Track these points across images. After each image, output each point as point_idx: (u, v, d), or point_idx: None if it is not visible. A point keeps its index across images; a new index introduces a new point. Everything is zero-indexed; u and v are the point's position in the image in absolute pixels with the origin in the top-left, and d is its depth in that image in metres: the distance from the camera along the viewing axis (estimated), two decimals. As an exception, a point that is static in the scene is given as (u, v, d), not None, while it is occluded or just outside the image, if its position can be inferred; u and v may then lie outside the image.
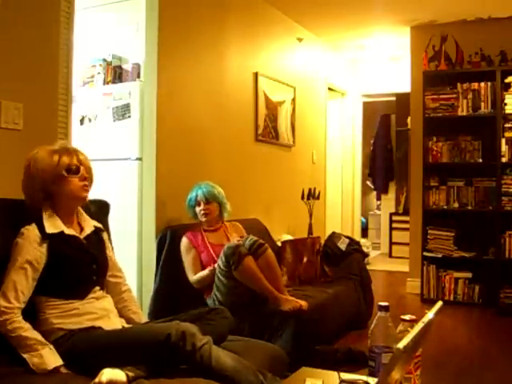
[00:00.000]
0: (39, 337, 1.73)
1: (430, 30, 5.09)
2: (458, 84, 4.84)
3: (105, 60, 3.87)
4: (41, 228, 1.85)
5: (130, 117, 3.58)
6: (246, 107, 4.45)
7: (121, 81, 3.81)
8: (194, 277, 3.09)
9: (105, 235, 2.14)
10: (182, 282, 3.13)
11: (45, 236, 1.84)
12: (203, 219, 3.23)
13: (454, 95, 4.85)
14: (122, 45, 3.94)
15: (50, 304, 1.83)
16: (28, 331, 1.72)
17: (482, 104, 4.75)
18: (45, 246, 1.83)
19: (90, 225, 2.05)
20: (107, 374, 1.60)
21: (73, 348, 1.75)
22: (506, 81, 4.62)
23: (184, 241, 3.18)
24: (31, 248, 1.81)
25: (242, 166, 4.35)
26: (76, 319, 1.83)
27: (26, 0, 2.48)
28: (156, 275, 3.24)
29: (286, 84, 5.05)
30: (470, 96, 4.79)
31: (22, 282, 1.76)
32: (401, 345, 1.03)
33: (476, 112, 4.78)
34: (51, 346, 1.73)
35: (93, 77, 3.89)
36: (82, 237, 1.97)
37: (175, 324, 1.76)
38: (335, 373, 1.59)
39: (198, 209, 3.23)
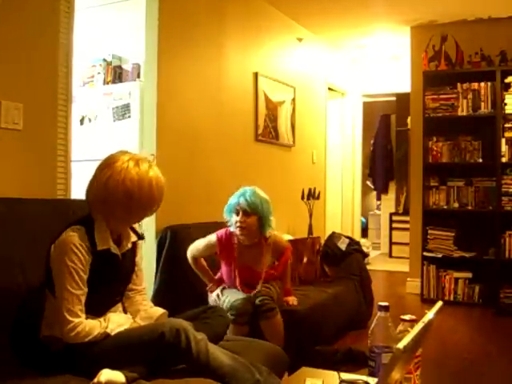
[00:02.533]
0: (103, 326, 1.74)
1: (430, 29, 5.09)
2: (458, 84, 4.84)
3: (105, 60, 3.87)
4: (90, 238, 1.76)
5: (129, 117, 3.58)
6: (245, 107, 4.45)
7: (121, 81, 3.81)
8: (193, 258, 2.92)
9: (139, 243, 2.02)
10: (183, 283, 3.13)
11: (93, 250, 1.76)
12: (237, 232, 2.83)
13: (454, 95, 4.85)
14: (121, 45, 3.94)
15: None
16: (96, 327, 1.71)
17: (482, 104, 4.75)
18: (90, 258, 1.75)
19: (129, 239, 1.94)
20: (106, 374, 1.60)
21: (72, 351, 1.73)
22: (506, 81, 4.62)
23: (212, 239, 2.91)
24: (82, 256, 1.72)
25: (242, 166, 4.35)
26: None
27: (26, 0, 2.48)
28: (156, 276, 3.24)
29: (286, 84, 5.05)
30: (470, 96, 4.80)
31: (81, 292, 1.71)
32: (401, 345, 1.03)
33: (476, 112, 4.78)
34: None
35: (93, 77, 3.90)
36: (120, 253, 1.88)
37: (168, 322, 1.75)
38: (335, 373, 1.59)
39: (234, 218, 2.82)
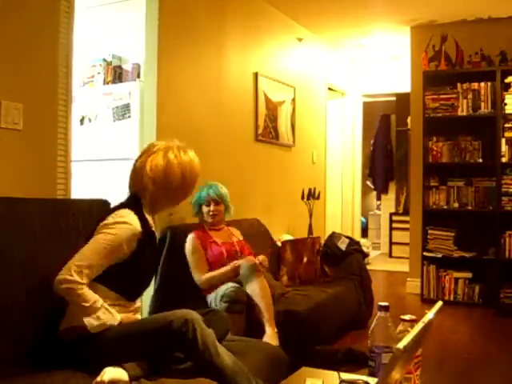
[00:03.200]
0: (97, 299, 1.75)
1: (430, 29, 5.09)
2: (458, 84, 4.84)
3: (105, 60, 3.87)
4: (141, 220, 1.85)
5: (129, 117, 3.58)
6: (245, 107, 4.45)
7: (121, 81, 3.81)
8: (202, 277, 3.07)
9: None
10: (182, 283, 3.13)
11: (145, 231, 1.85)
12: (210, 220, 3.25)
13: (454, 95, 4.85)
14: (121, 45, 3.94)
15: (100, 294, 1.78)
16: (90, 296, 1.73)
17: (482, 104, 4.75)
18: (140, 239, 1.83)
19: (157, 225, 2.06)
20: (109, 372, 1.60)
21: (82, 341, 1.74)
22: (506, 81, 4.62)
23: (191, 239, 3.17)
24: (130, 235, 1.80)
25: (242, 165, 4.35)
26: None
27: (26, 0, 2.48)
28: (156, 275, 3.24)
29: (286, 84, 5.05)
30: (470, 96, 4.79)
31: (97, 270, 1.76)
32: (401, 345, 1.03)
33: (476, 112, 4.78)
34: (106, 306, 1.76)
35: (93, 77, 3.90)
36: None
37: (177, 311, 1.77)
38: (335, 373, 1.59)
39: (206, 209, 3.25)
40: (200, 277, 3.07)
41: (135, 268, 1.85)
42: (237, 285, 2.91)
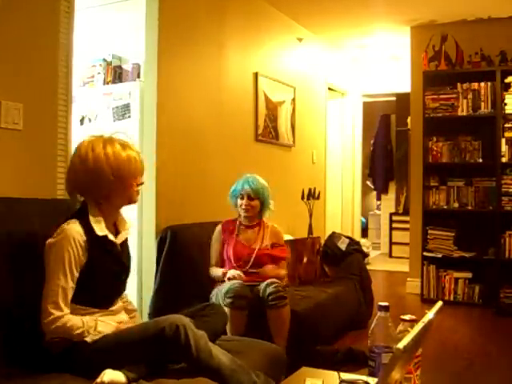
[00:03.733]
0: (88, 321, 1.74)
1: (430, 29, 5.08)
2: (458, 84, 4.84)
3: (105, 60, 3.87)
4: (86, 227, 1.78)
5: (129, 117, 3.58)
6: (245, 107, 4.45)
7: (121, 81, 3.81)
8: (212, 268, 3.12)
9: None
10: (183, 283, 3.13)
11: (91, 238, 1.77)
12: (243, 214, 3.18)
13: (454, 95, 4.85)
14: (122, 45, 3.94)
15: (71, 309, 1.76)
16: (78, 321, 1.72)
17: (482, 104, 4.75)
18: (87, 248, 1.76)
19: (125, 228, 1.96)
20: (108, 374, 1.60)
21: (72, 351, 1.73)
22: (506, 81, 4.62)
23: (217, 229, 3.21)
24: (75, 248, 1.73)
25: (242, 165, 4.35)
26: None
27: (26, 0, 2.48)
28: (156, 275, 3.24)
29: (286, 84, 5.05)
30: (470, 96, 4.79)
31: (70, 286, 1.72)
32: (401, 345, 1.03)
33: (476, 112, 4.78)
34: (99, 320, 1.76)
35: (93, 77, 3.90)
36: (118, 242, 1.90)
37: (168, 317, 1.76)
38: (335, 373, 1.59)
39: (239, 201, 3.18)
40: (210, 267, 3.13)
41: (94, 277, 1.79)
42: (241, 281, 2.89)
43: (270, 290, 2.83)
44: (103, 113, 3.71)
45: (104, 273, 1.81)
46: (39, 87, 2.54)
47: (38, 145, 2.54)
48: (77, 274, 1.74)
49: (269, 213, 3.26)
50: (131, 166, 1.85)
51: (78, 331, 1.70)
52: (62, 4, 2.63)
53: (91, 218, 1.81)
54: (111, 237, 1.86)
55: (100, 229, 1.82)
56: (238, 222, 3.21)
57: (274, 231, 3.24)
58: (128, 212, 3.39)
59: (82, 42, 3.29)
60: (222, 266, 3.12)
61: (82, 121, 3.78)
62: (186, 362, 1.73)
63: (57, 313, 1.69)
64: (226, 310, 2.63)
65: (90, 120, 3.77)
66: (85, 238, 1.76)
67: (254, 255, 3.07)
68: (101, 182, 1.81)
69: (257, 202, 3.15)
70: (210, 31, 3.97)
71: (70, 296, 1.73)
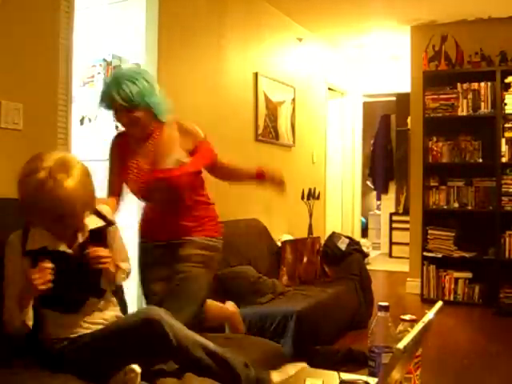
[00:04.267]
0: None
1: (430, 29, 5.09)
2: (458, 84, 4.84)
3: (105, 60, 3.87)
4: (23, 240, 1.78)
5: (130, 117, 3.57)
6: (245, 107, 4.45)
7: (121, 81, 3.81)
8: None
9: (110, 230, 1.92)
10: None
11: (24, 252, 1.76)
12: (130, 132, 2.25)
13: (454, 95, 4.85)
14: (122, 45, 3.94)
15: (46, 316, 1.78)
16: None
17: (482, 104, 4.75)
18: (27, 260, 1.73)
19: (85, 230, 1.84)
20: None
21: (62, 355, 1.74)
22: (506, 81, 4.62)
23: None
24: (16, 260, 1.75)
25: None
26: (70, 330, 1.78)
27: (26, 0, 2.48)
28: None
29: (286, 84, 5.05)
30: (470, 96, 4.80)
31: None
32: (401, 345, 1.03)
33: (476, 112, 4.78)
34: None
35: (93, 77, 3.89)
36: (72, 248, 1.80)
37: (139, 312, 1.76)
38: (335, 373, 1.59)
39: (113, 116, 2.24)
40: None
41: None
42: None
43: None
44: (103, 113, 3.70)
45: (56, 284, 1.67)
46: (39, 87, 2.54)
47: (38, 145, 2.53)
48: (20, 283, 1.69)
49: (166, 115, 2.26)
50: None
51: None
52: (62, 4, 2.63)
53: (31, 230, 1.79)
54: (53, 246, 1.78)
55: (35, 242, 1.77)
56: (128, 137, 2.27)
57: (182, 130, 2.28)
58: (127, 213, 3.40)
59: (81, 42, 3.29)
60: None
61: (81, 121, 3.78)
62: (169, 354, 1.69)
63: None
64: None
65: (89, 120, 3.77)
66: (20, 249, 1.76)
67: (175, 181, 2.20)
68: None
69: (140, 112, 2.15)
70: (210, 31, 3.97)
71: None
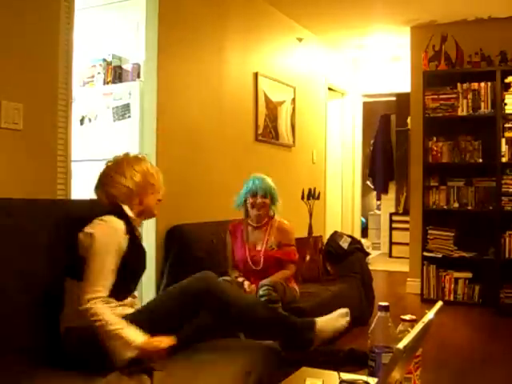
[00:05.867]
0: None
1: (430, 29, 5.08)
2: (458, 84, 4.84)
3: (105, 60, 3.87)
4: (126, 223, 1.93)
5: (130, 117, 3.58)
6: (245, 107, 4.45)
7: (121, 81, 3.81)
8: (229, 271, 3.13)
9: None
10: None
11: (131, 234, 1.92)
12: (255, 213, 3.13)
13: (454, 95, 4.85)
14: (122, 45, 3.94)
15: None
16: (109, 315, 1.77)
17: (482, 104, 4.75)
18: (127, 239, 1.91)
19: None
20: None
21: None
22: (506, 81, 4.62)
23: (226, 237, 3.21)
24: (118, 237, 1.88)
25: (242, 166, 4.35)
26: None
27: (26, 0, 2.48)
28: (164, 272, 3.28)
29: (286, 84, 5.05)
30: (469, 96, 4.79)
31: (111, 272, 1.82)
32: (401, 345, 1.03)
33: (476, 112, 4.77)
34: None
35: (93, 77, 3.90)
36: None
37: (194, 279, 1.98)
38: (335, 373, 1.59)
39: (251, 200, 3.12)
40: (228, 270, 3.13)
41: (124, 270, 1.88)
42: (229, 278, 2.97)
43: (260, 292, 2.83)
44: (103, 113, 3.71)
45: (133, 268, 1.95)
46: (39, 87, 2.54)
47: (38, 145, 2.54)
48: (118, 259, 1.85)
49: (277, 212, 3.24)
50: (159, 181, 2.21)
51: (100, 323, 1.73)
52: (62, 4, 2.63)
53: (130, 216, 1.99)
54: (139, 235, 2.06)
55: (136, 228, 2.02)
56: (245, 224, 3.18)
57: (280, 228, 3.18)
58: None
59: (82, 42, 3.29)
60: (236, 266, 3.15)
61: (81, 121, 3.78)
62: (224, 318, 1.98)
63: (87, 296, 1.75)
64: None
65: (90, 120, 3.77)
66: (126, 227, 1.91)
67: (261, 258, 3.07)
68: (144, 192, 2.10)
69: (268, 200, 3.13)
70: (210, 31, 3.97)
71: (109, 283, 1.81)
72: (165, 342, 1.73)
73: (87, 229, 1.87)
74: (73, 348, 1.77)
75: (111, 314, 1.75)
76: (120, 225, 1.90)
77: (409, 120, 6.03)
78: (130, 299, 1.97)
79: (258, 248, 3.12)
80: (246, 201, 3.16)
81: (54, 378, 1.66)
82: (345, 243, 4.14)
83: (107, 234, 1.86)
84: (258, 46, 4.63)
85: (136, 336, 1.72)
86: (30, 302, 1.84)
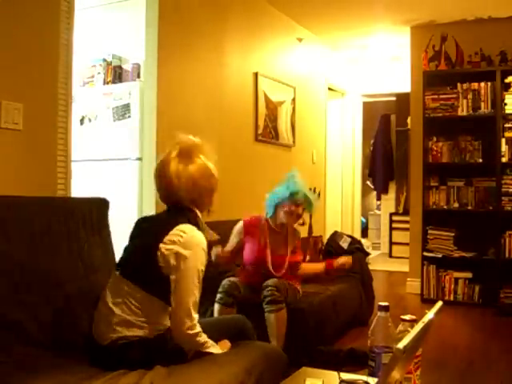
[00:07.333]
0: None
1: (430, 29, 5.08)
2: (458, 84, 4.83)
3: (105, 60, 3.87)
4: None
5: (129, 117, 3.58)
6: (245, 107, 4.45)
7: (121, 81, 3.81)
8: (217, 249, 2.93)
9: None
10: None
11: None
12: (289, 221, 3.03)
13: (454, 95, 4.84)
14: (122, 45, 3.94)
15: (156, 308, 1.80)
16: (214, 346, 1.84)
17: (482, 104, 4.75)
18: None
19: None
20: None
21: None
22: (506, 81, 4.62)
23: (239, 225, 3.08)
24: (205, 255, 1.80)
25: (242, 166, 4.35)
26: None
27: (26, 0, 2.48)
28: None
29: (286, 84, 5.05)
30: (469, 96, 4.79)
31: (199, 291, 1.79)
32: (401, 345, 1.03)
33: (476, 112, 4.77)
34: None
35: (93, 77, 3.90)
36: None
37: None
38: (335, 373, 1.59)
39: (291, 207, 2.99)
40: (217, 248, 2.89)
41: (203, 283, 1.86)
42: (236, 279, 2.93)
43: (265, 293, 2.83)
44: (103, 113, 3.71)
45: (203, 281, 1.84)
46: (39, 87, 2.54)
47: (38, 145, 2.54)
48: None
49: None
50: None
51: (202, 344, 1.79)
52: (62, 4, 2.63)
53: (200, 225, 1.88)
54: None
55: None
56: (265, 224, 3.07)
57: (293, 232, 3.17)
58: (128, 212, 3.41)
59: (82, 41, 3.29)
60: (232, 259, 3.07)
61: (82, 121, 3.78)
62: None
63: (192, 322, 1.75)
64: (216, 305, 2.78)
65: (90, 120, 3.77)
66: (205, 242, 1.82)
67: (285, 263, 3.03)
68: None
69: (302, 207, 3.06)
70: (210, 31, 3.97)
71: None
72: (228, 344, 1.93)
73: (179, 249, 1.74)
74: (126, 355, 1.74)
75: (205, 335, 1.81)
76: (205, 242, 1.81)
77: (409, 120, 6.03)
78: None
79: (282, 253, 3.05)
80: (279, 203, 3.02)
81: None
82: (345, 243, 4.14)
83: (200, 257, 1.77)
84: (258, 46, 4.63)
85: (216, 350, 1.84)
86: (30, 297, 1.83)
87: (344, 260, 3.29)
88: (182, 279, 1.74)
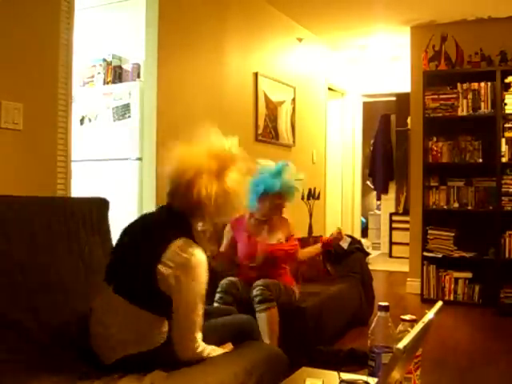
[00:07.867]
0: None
1: (430, 29, 5.08)
2: (458, 84, 4.83)
3: (105, 60, 3.87)
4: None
5: (129, 117, 3.58)
6: (245, 107, 4.45)
7: (121, 81, 3.81)
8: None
9: None
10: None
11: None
12: (270, 213, 3.01)
13: (454, 95, 4.84)
14: (122, 45, 3.94)
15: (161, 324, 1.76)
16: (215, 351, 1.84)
17: (482, 104, 4.75)
18: None
19: None
20: None
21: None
22: (506, 81, 4.62)
23: (227, 228, 3.08)
24: (206, 274, 1.74)
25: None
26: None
27: (27, 0, 2.48)
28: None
29: (286, 84, 5.05)
30: (470, 96, 4.79)
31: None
32: (401, 345, 1.03)
33: (476, 112, 4.77)
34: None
35: (93, 77, 3.90)
36: None
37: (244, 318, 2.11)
38: (335, 373, 1.59)
39: (275, 200, 2.96)
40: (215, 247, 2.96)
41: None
42: (235, 278, 2.92)
43: (254, 292, 2.81)
44: (103, 113, 3.71)
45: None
46: (39, 87, 2.54)
47: (38, 145, 2.54)
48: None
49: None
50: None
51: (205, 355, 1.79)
52: (62, 4, 2.63)
53: (198, 240, 1.81)
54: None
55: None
56: (250, 217, 3.05)
57: (282, 222, 3.14)
58: (128, 212, 3.41)
59: (82, 42, 3.29)
60: (229, 257, 3.08)
61: (82, 121, 3.78)
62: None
63: (196, 344, 1.75)
64: (216, 305, 2.77)
65: (90, 120, 3.77)
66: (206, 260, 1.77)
67: (282, 248, 3.02)
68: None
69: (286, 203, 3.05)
70: (210, 31, 3.97)
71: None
72: (230, 347, 1.94)
73: (179, 273, 1.68)
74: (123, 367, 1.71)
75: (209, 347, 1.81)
76: (204, 259, 1.74)
77: (409, 120, 6.03)
78: None
79: (274, 240, 3.04)
80: (263, 193, 2.93)
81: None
82: (345, 243, 4.13)
83: (201, 279, 1.72)
84: (257, 46, 4.63)
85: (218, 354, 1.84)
86: (30, 297, 1.83)
87: (335, 232, 3.24)
88: (183, 304, 1.71)
